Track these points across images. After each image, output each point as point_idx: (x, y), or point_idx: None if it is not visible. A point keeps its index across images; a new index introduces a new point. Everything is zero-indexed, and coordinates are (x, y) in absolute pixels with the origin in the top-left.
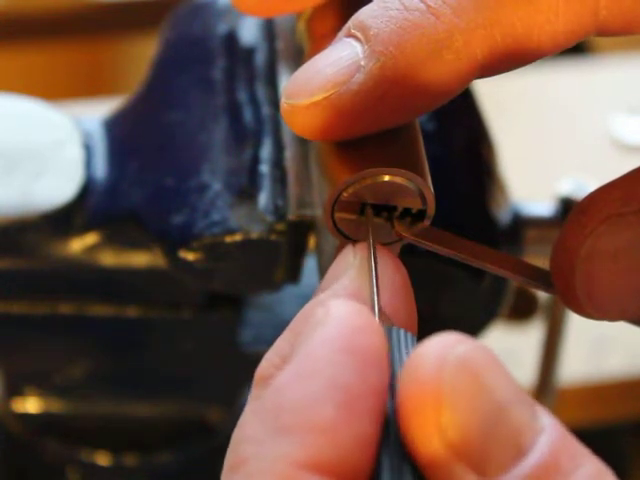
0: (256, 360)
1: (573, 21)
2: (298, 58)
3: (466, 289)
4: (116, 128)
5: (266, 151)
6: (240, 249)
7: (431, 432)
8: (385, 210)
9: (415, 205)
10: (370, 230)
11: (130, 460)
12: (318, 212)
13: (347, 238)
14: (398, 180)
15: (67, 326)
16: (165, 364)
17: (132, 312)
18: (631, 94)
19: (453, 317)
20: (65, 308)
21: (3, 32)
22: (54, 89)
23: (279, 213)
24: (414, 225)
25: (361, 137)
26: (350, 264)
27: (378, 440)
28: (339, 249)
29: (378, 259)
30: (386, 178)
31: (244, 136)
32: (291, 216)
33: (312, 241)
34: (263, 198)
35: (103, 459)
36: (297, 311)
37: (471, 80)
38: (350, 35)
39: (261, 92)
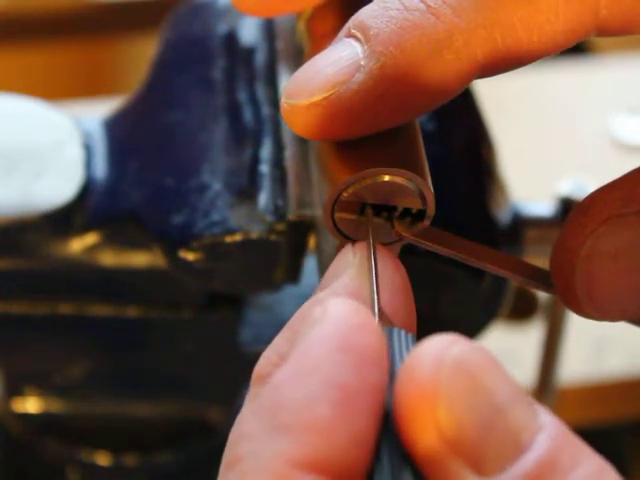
0: (256, 360)
1: (573, 21)
2: (298, 58)
3: (466, 289)
4: (116, 128)
5: (266, 151)
6: (240, 249)
7: (428, 430)
8: (385, 210)
9: (415, 205)
10: (370, 230)
11: (130, 460)
12: (318, 212)
13: (347, 238)
14: (398, 180)
15: (67, 326)
16: (165, 364)
17: (132, 312)
18: (631, 94)
19: (453, 317)
20: (65, 308)
21: (3, 32)
22: (54, 89)
23: (279, 213)
24: (414, 225)
25: (361, 137)
26: (350, 263)
27: (375, 439)
28: (339, 249)
29: (378, 259)
30: (386, 178)
31: (244, 136)
32: (291, 216)
33: (312, 241)
34: (263, 198)
35: (103, 459)
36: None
37: (471, 80)
38: (350, 35)
39: (261, 92)
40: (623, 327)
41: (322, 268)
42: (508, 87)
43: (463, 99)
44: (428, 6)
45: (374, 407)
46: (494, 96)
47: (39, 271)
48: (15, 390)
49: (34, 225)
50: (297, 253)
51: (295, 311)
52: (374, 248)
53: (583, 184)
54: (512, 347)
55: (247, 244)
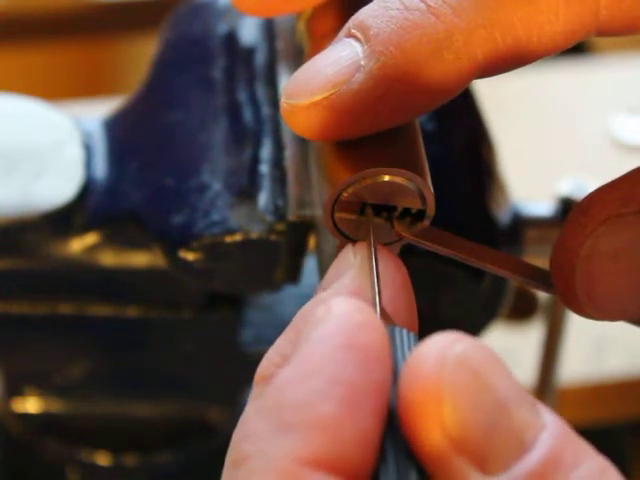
0: (256, 360)
1: (573, 21)
2: (298, 58)
3: (466, 289)
4: (116, 128)
5: (266, 151)
6: (240, 249)
7: (433, 428)
8: (385, 210)
9: (415, 205)
10: (371, 230)
11: (130, 460)
12: (318, 212)
13: (347, 238)
14: (398, 180)
15: (67, 326)
16: (165, 364)
17: (132, 312)
18: (631, 94)
19: (453, 317)
20: (65, 308)
21: (3, 32)
22: (54, 89)
23: (279, 213)
24: (414, 225)
25: (361, 137)
26: (351, 264)
27: (381, 437)
28: (339, 249)
29: (379, 259)
30: (386, 178)
31: (244, 136)
32: (291, 216)
33: (312, 241)
34: (263, 198)
35: (103, 459)
36: (297, 311)
37: (471, 80)
38: (350, 35)
39: (261, 92)
40: (623, 327)
41: (322, 268)
42: (508, 87)
43: (463, 99)
44: (428, 6)
45: (379, 405)
46: (494, 96)
47: (39, 271)
48: (15, 390)
49: (34, 225)
50: (297, 253)
51: (295, 311)
52: (375, 248)
53: (583, 184)
54: (512, 347)
55: (247, 244)
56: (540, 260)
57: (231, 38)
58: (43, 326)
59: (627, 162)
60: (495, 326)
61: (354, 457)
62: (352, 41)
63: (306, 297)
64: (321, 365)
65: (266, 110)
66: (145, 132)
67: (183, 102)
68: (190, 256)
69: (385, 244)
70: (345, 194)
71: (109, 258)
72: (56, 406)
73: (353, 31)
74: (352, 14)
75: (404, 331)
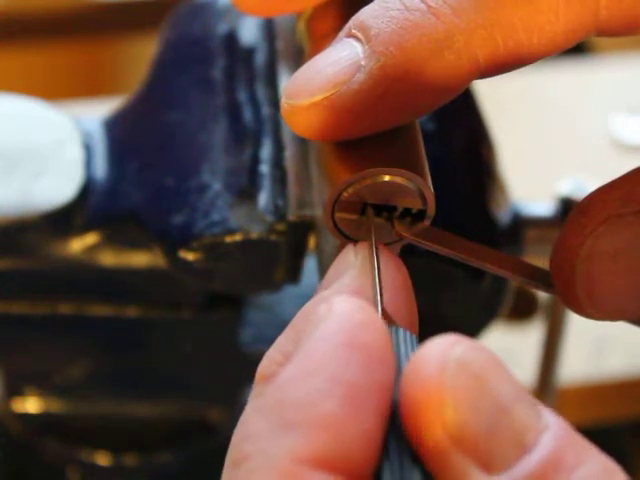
0: (256, 360)
1: (573, 21)
2: (298, 58)
3: (466, 289)
4: (116, 128)
5: (266, 151)
6: (240, 249)
7: (435, 426)
8: (385, 210)
9: (415, 205)
10: (372, 230)
11: (130, 460)
12: (318, 212)
13: (347, 238)
14: (398, 180)
15: (67, 326)
16: (165, 364)
17: (132, 312)
18: (631, 94)
19: (453, 317)
20: (65, 308)
21: (3, 32)
22: (54, 89)
23: (279, 213)
24: (414, 225)
25: (361, 137)
26: (351, 263)
27: (383, 436)
28: (339, 249)
29: (379, 259)
30: (386, 178)
31: (244, 136)
32: (291, 216)
33: (312, 241)
34: (263, 198)
35: (103, 459)
36: (297, 311)
37: (472, 80)
38: (350, 35)
39: (261, 92)
40: (623, 327)
41: (322, 268)
42: (508, 87)
43: (463, 99)
44: (429, 6)
45: (381, 404)
46: (494, 96)
47: (39, 271)
48: (15, 390)
49: (34, 225)
50: (297, 253)
51: (295, 311)
52: (376, 248)
53: (583, 184)
54: (512, 347)
55: (247, 244)
56: (540, 260)
57: (231, 38)
58: (43, 326)
59: (627, 162)
60: (495, 326)
61: (356, 456)
62: (352, 41)
63: (306, 297)
64: (323, 363)
65: (266, 110)
66: (145, 132)
67: (183, 102)
68: (190, 256)
69: (385, 244)
70: (345, 194)
71: (109, 258)
72: (56, 406)
73: (354, 31)
74: (352, 14)
75: (405, 331)
